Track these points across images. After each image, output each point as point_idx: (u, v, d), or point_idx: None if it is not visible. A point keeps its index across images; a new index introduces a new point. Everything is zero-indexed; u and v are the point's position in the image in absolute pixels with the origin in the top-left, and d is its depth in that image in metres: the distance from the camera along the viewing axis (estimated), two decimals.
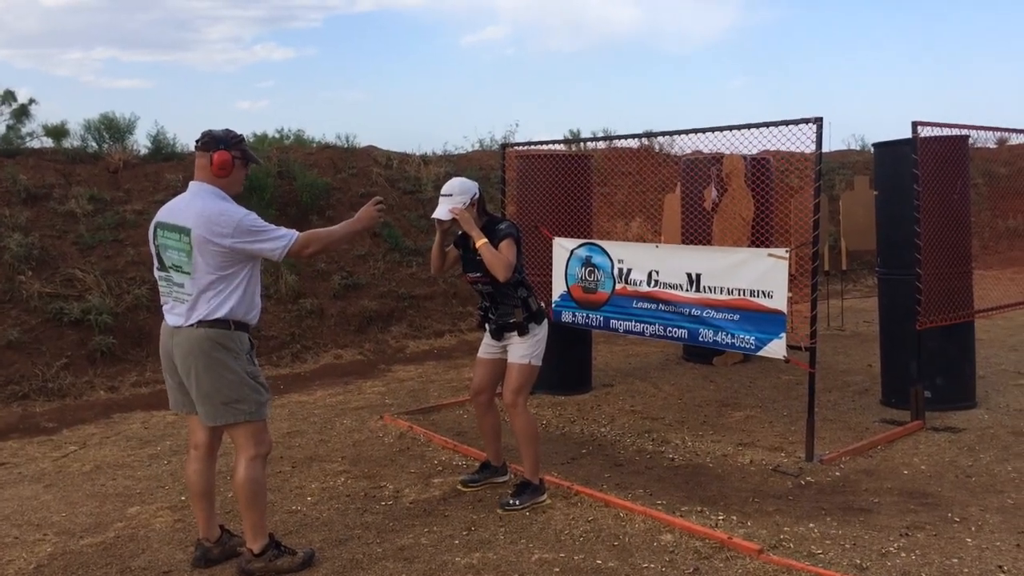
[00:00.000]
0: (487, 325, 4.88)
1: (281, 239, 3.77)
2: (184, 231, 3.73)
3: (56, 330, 8.29)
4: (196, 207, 3.75)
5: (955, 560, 3.88)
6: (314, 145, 13.42)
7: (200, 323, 3.75)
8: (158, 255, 3.87)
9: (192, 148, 12.24)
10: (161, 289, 3.92)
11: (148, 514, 4.81)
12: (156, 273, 3.94)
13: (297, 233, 3.84)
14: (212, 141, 3.83)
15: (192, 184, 3.87)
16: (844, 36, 48.36)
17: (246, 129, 19.49)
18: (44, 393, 7.62)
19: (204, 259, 3.71)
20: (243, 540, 4.02)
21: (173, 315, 3.85)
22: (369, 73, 46.07)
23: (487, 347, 4.92)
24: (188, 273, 3.75)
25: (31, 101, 12.17)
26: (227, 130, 3.91)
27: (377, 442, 6.15)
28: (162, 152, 11.82)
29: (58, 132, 11.62)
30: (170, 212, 3.85)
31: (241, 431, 3.86)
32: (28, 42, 33.56)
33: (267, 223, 3.82)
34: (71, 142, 11.58)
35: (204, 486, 4.02)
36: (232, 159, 3.84)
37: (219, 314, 3.75)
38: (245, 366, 3.84)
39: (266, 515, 4.01)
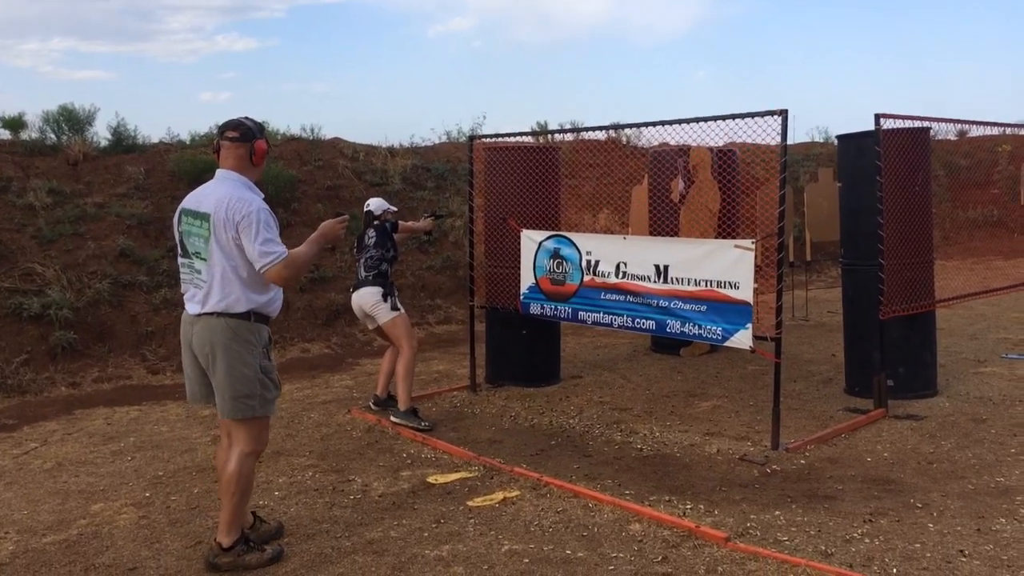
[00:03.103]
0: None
1: (271, 254, 3.69)
2: (205, 217, 3.75)
3: (15, 325, 8.14)
4: (219, 193, 3.77)
5: (917, 545, 3.95)
6: (279, 137, 13.30)
7: (220, 314, 3.75)
8: (181, 242, 3.89)
9: (155, 140, 11.75)
10: (182, 277, 3.92)
11: (112, 511, 4.75)
12: (179, 260, 3.94)
13: (286, 255, 3.74)
14: (249, 131, 3.88)
15: (219, 172, 3.89)
16: (808, 29, 48.82)
17: (209, 121, 19.26)
18: (3, 389, 7.48)
19: (220, 245, 3.72)
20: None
21: (192, 303, 3.85)
22: (334, 64, 45.67)
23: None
24: (205, 259, 3.76)
25: None
26: (250, 119, 3.95)
27: (345, 436, 6.12)
28: (123, 144, 11.65)
29: (15, 124, 11.38)
30: (195, 199, 3.87)
31: (243, 426, 3.86)
32: None
33: (275, 232, 3.77)
34: (29, 134, 11.37)
35: None
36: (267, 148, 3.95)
37: (240, 307, 3.76)
38: (260, 360, 3.85)
39: (245, 512, 4.00)
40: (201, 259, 3.79)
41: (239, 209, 3.69)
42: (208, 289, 3.77)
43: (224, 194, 3.76)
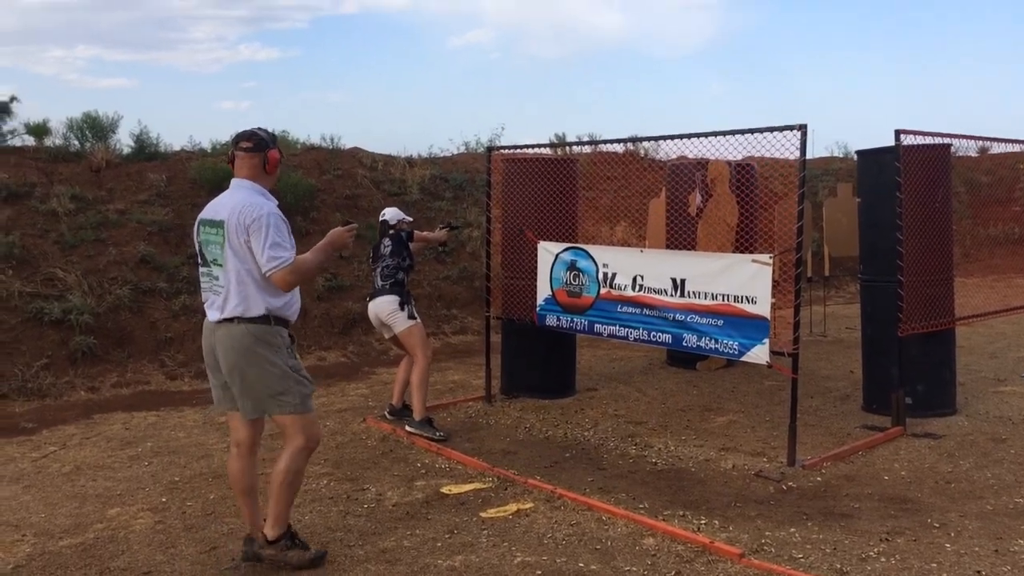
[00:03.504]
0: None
1: (277, 258, 3.73)
2: (220, 224, 3.82)
3: (36, 330, 8.22)
4: (233, 201, 3.85)
5: (934, 565, 3.91)
6: (299, 146, 13.39)
7: (240, 319, 3.80)
8: (201, 251, 3.96)
9: (176, 148, 11.90)
10: (202, 286, 3.99)
11: (128, 515, 4.78)
12: (199, 270, 4.01)
13: (292, 260, 3.79)
14: (263, 141, 3.96)
15: (234, 181, 3.96)
16: (829, 43, 48.72)
17: (230, 130, 19.41)
18: (24, 393, 7.56)
19: (233, 249, 3.78)
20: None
21: (212, 310, 3.91)
22: (354, 75, 46.00)
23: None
24: (222, 265, 3.83)
25: (12, 99, 12.08)
26: (263, 129, 4.03)
27: (360, 444, 6.13)
28: (145, 151, 11.76)
29: (40, 130, 11.53)
30: (212, 209, 3.94)
31: (289, 422, 3.93)
32: (7, 39, 33.27)
33: (286, 237, 3.80)
34: (53, 141, 11.51)
35: (247, 483, 4.07)
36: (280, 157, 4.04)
37: (257, 311, 3.81)
38: (287, 360, 3.90)
39: (292, 507, 4.06)
40: (218, 265, 3.85)
41: (250, 213, 3.76)
42: (226, 294, 3.82)
43: (237, 201, 3.83)
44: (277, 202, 3.95)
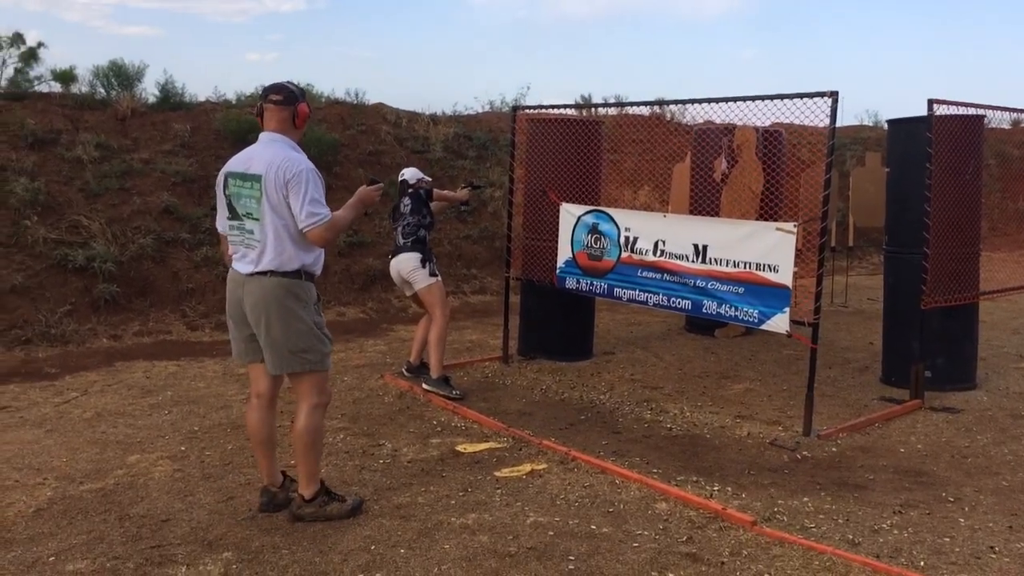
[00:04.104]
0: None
1: (316, 215, 3.77)
2: (256, 178, 3.82)
3: (60, 276, 8.30)
4: (268, 155, 3.84)
5: (947, 539, 3.91)
6: (323, 100, 13.33)
7: (273, 272, 3.82)
8: (230, 204, 3.94)
9: (201, 99, 11.86)
10: (232, 238, 3.98)
11: (148, 463, 4.85)
12: (227, 223, 3.99)
13: (330, 216, 3.82)
14: (292, 95, 3.95)
15: (264, 135, 3.95)
16: (863, 8, 47.70)
17: (255, 81, 19.34)
18: (47, 339, 7.66)
19: (272, 205, 3.79)
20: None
21: (244, 263, 3.92)
22: (380, 29, 45.62)
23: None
24: (258, 220, 3.83)
25: (40, 45, 12.08)
26: (292, 83, 4.02)
27: (377, 400, 6.18)
28: (170, 101, 11.76)
29: (66, 77, 11.53)
30: (242, 161, 3.92)
31: (305, 380, 3.97)
32: None
33: (322, 193, 3.84)
34: (79, 88, 11.52)
35: (266, 434, 4.13)
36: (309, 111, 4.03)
37: (292, 266, 3.84)
38: (313, 316, 3.94)
39: (320, 463, 4.11)
40: (253, 219, 3.85)
41: (289, 168, 3.76)
42: (262, 248, 3.83)
43: (273, 155, 3.82)
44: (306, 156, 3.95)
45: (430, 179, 6.72)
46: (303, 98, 4.00)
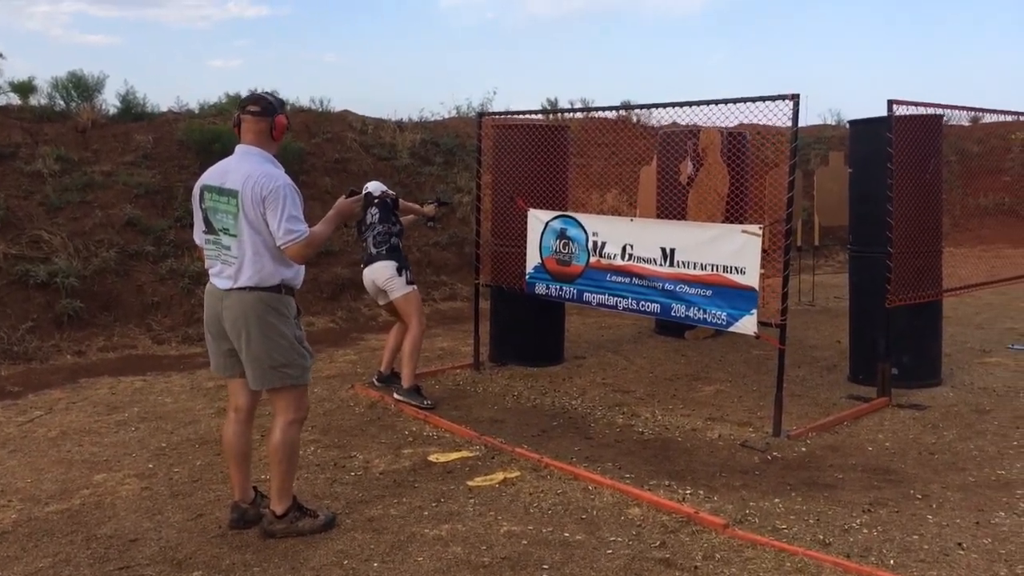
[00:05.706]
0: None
1: (294, 232, 3.71)
2: (232, 193, 3.76)
3: (22, 292, 8.16)
4: (244, 169, 3.78)
5: (916, 537, 3.95)
6: (288, 108, 13.21)
7: (252, 288, 3.78)
8: (206, 218, 3.89)
9: (163, 109, 11.66)
10: (208, 253, 3.93)
11: (115, 481, 4.78)
12: (203, 236, 3.94)
13: (308, 233, 3.77)
14: (271, 106, 3.90)
15: (240, 147, 3.89)
16: (825, 10, 48.33)
17: (218, 90, 19.15)
18: (9, 356, 7.52)
19: (249, 221, 3.74)
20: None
21: (221, 278, 3.87)
22: (345, 34, 45.41)
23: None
24: (235, 236, 3.78)
25: None
26: (272, 94, 3.99)
27: (348, 411, 6.14)
28: (132, 112, 11.62)
29: (25, 88, 11.33)
30: (218, 174, 3.86)
31: (284, 394, 3.93)
32: None
33: (300, 209, 3.79)
34: (38, 99, 11.33)
35: (243, 448, 4.08)
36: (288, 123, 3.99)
37: (272, 281, 3.81)
38: (294, 330, 3.91)
39: (294, 479, 4.07)
40: (230, 235, 3.80)
41: (266, 184, 3.72)
42: (240, 265, 3.79)
43: (250, 170, 3.77)
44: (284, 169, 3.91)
45: (394, 193, 6.71)
46: (282, 109, 3.96)
